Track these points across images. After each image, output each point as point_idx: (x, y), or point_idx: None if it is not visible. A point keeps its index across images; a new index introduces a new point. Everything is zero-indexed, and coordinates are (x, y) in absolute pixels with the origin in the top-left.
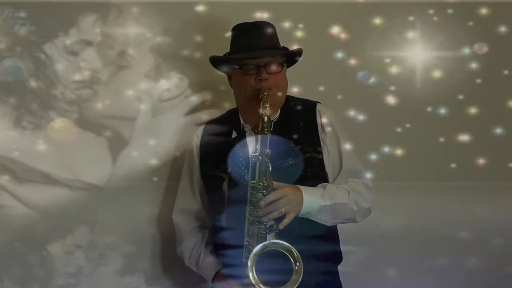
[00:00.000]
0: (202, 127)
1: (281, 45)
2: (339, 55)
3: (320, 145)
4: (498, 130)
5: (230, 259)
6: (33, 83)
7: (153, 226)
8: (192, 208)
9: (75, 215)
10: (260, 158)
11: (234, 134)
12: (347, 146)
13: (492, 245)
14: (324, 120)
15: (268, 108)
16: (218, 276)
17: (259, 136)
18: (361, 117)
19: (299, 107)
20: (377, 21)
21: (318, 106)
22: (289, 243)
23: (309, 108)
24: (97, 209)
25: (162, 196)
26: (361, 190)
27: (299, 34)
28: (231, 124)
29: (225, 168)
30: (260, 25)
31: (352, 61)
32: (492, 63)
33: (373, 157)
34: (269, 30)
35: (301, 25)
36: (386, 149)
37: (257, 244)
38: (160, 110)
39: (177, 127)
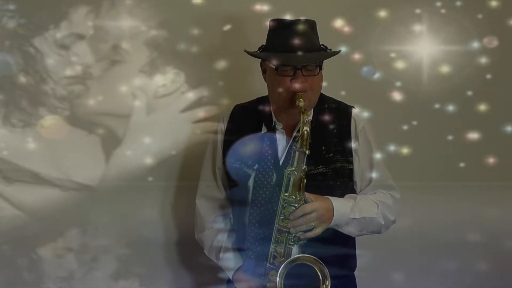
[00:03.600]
0: (229, 112)
1: (321, 44)
2: (343, 49)
3: (351, 155)
4: (509, 128)
5: (253, 258)
6: (22, 79)
7: (148, 228)
8: (216, 196)
9: (66, 217)
10: (296, 173)
11: (263, 129)
12: (379, 157)
13: (503, 248)
14: (359, 129)
15: (309, 123)
16: (239, 274)
17: (297, 152)
18: (365, 114)
19: (333, 110)
20: (382, 13)
21: (354, 113)
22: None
23: (344, 113)
24: (89, 210)
25: (157, 197)
26: (389, 202)
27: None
28: (262, 117)
29: (252, 164)
30: (300, 24)
31: (356, 56)
32: (503, 58)
33: (378, 155)
34: (309, 29)
35: (302, 19)
36: (392, 148)
37: (284, 252)
38: (155, 107)
39: (173, 125)
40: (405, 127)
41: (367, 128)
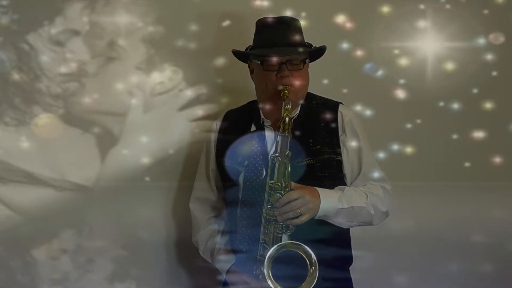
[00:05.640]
0: (222, 116)
1: (306, 41)
2: (345, 45)
3: (339, 147)
4: None
5: (244, 254)
6: (16, 76)
7: (145, 229)
8: (208, 198)
9: (61, 218)
10: (280, 159)
11: (253, 128)
12: (368, 149)
13: (509, 249)
14: (346, 121)
15: (289, 109)
16: (232, 271)
17: (280, 137)
18: (368, 112)
19: (321, 106)
20: (385, 9)
21: (341, 107)
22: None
23: (331, 108)
24: (85, 211)
25: (154, 197)
26: (379, 193)
27: (301, 23)
28: (251, 117)
29: (242, 161)
30: (284, 21)
31: (359, 52)
32: (509, 54)
33: (381, 155)
34: (293, 25)
35: (303, 14)
36: (395, 147)
37: (272, 242)
38: (153, 105)
39: (170, 123)
40: (408, 126)
41: (354, 121)
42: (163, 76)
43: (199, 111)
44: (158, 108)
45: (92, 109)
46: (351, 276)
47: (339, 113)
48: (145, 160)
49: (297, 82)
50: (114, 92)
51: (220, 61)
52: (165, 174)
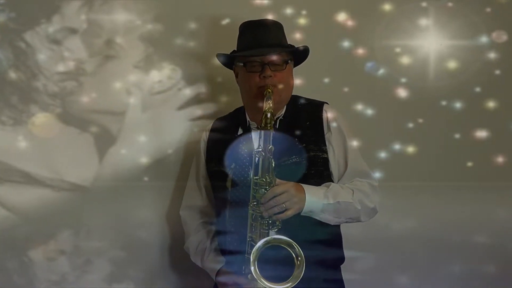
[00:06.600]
0: (211, 124)
1: (288, 43)
2: (346, 44)
3: (325, 144)
4: None
5: (233, 256)
6: (12, 75)
7: (143, 230)
8: (198, 204)
9: (58, 218)
10: (263, 154)
11: (240, 131)
12: (353, 146)
13: (511, 250)
14: (330, 120)
15: (271, 104)
16: (221, 272)
17: (262, 132)
18: (369, 111)
19: (305, 106)
20: (387, 7)
21: (325, 106)
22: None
23: (315, 107)
24: (82, 211)
25: (153, 197)
26: (366, 189)
27: (302, 21)
28: (238, 121)
29: (229, 164)
30: (265, 23)
31: (360, 51)
32: None
33: (383, 155)
34: (275, 28)
35: (304, 12)
36: (397, 146)
37: (260, 239)
38: (151, 104)
39: (169, 123)
40: (410, 125)
41: (339, 119)
42: (162, 74)
43: (198, 110)
44: (157, 107)
45: (90, 108)
46: (349, 276)
47: (323, 112)
48: (144, 160)
49: (280, 83)
50: (112, 91)
51: (230, 67)
52: (163, 174)
